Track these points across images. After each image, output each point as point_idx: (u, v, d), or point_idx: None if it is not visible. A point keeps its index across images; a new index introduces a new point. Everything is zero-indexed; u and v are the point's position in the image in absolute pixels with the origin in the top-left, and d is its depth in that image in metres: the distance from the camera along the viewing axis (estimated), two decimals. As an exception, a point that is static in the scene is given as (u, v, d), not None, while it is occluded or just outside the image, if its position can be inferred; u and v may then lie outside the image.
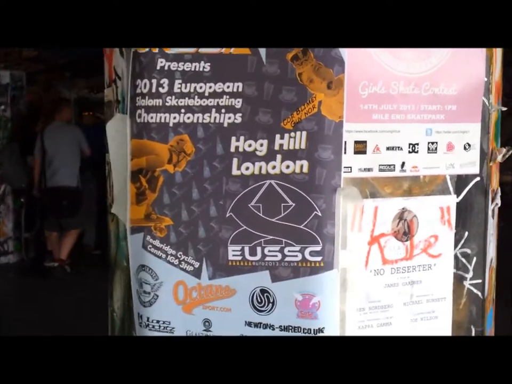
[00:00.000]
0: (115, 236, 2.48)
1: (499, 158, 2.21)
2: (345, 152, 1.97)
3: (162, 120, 2.10)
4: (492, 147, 2.20)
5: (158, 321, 2.15)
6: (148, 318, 2.17)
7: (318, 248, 1.98)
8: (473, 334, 2.19)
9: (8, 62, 8.21)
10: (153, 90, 2.10)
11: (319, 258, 1.98)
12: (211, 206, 2.07)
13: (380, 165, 2.02)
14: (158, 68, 2.09)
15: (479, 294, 2.19)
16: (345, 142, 1.97)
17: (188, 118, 2.08)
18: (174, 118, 2.09)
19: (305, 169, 1.98)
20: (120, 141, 2.22)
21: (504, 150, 2.22)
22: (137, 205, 2.17)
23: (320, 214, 1.97)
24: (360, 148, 2.01)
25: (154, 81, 2.10)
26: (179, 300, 2.12)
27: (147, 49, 2.09)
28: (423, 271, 2.09)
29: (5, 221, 8.05)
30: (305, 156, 1.97)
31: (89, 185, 7.62)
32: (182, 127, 2.09)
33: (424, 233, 2.08)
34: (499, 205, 2.29)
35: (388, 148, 2.03)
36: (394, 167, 2.04)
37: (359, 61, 1.97)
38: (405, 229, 2.06)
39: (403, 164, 2.05)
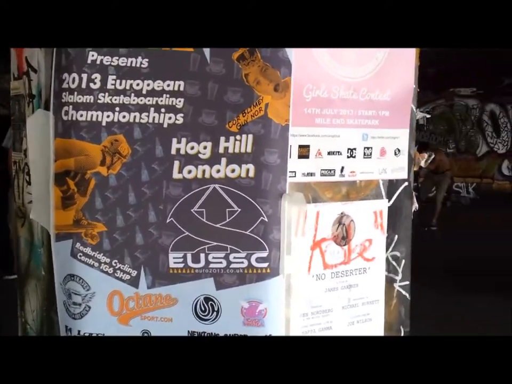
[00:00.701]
0: (26, 242, 2.28)
1: (422, 163, 2.30)
2: (290, 157, 1.95)
3: (94, 119, 1.96)
4: (414, 153, 2.29)
5: (90, 334, 2.00)
6: (79, 331, 2.01)
7: (264, 254, 1.94)
8: (402, 335, 2.26)
9: None
10: (83, 85, 1.95)
11: (265, 265, 1.95)
12: (150, 211, 1.97)
13: (321, 170, 2.03)
14: (89, 61, 1.95)
15: (407, 295, 2.27)
16: (290, 146, 1.95)
17: (124, 117, 1.95)
18: (108, 116, 1.96)
19: (251, 174, 1.93)
20: (41, 139, 2.04)
21: (426, 155, 2.31)
22: (63, 209, 2.00)
23: (266, 220, 1.93)
24: (304, 152, 2.00)
25: (84, 76, 1.95)
26: (114, 311, 1.99)
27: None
28: (359, 274, 2.13)
29: None
30: (251, 159, 1.93)
31: None
32: (116, 126, 1.96)
33: (360, 237, 2.11)
34: (417, 208, 2.37)
35: (329, 153, 2.03)
36: (334, 171, 2.05)
37: (304, 64, 1.95)
38: (343, 234, 2.08)
39: (342, 168, 2.06)
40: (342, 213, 2.07)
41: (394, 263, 2.21)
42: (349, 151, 2.07)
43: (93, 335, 2.00)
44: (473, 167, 15.01)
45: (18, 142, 2.32)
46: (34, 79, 2.14)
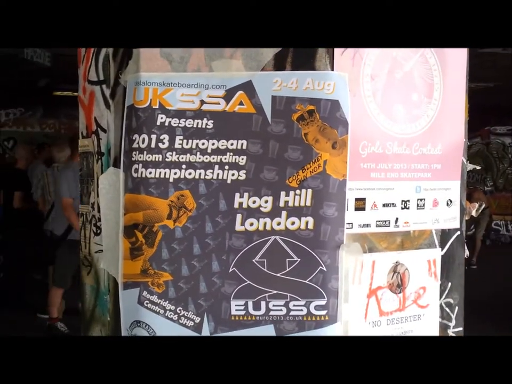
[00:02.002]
0: (92, 289, 2.41)
1: (473, 213, 2.39)
2: (347, 209, 2.06)
3: (162, 176, 2.10)
4: (465, 203, 2.37)
5: None
6: None
7: (323, 302, 2.04)
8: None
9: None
10: (153, 145, 2.09)
11: (324, 312, 2.04)
12: (213, 261, 2.08)
13: (377, 221, 2.12)
14: (158, 123, 2.09)
15: (461, 341, 2.33)
16: (347, 199, 2.05)
17: (189, 173, 2.09)
18: (175, 173, 2.09)
19: (310, 226, 2.03)
20: (111, 195, 2.18)
21: (477, 205, 2.40)
22: (131, 260, 2.13)
23: (325, 269, 2.03)
24: (360, 204, 2.10)
25: (153, 136, 2.09)
26: None
27: (146, 104, 2.09)
28: (413, 321, 2.20)
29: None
30: (310, 212, 2.03)
31: None
32: (182, 182, 2.09)
33: (414, 285, 2.20)
34: (468, 255, 2.45)
35: (384, 205, 2.13)
36: (389, 222, 2.14)
37: (359, 122, 2.07)
38: (398, 281, 2.16)
39: (397, 219, 2.16)
40: (397, 262, 2.16)
41: (447, 309, 2.29)
42: (403, 202, 2.17)
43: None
44: (512, 205, 14.89)
45: (86, 195, 2.47)
46: (103, 138, 2.30)
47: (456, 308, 2.31)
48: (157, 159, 2.10)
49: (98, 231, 2.32)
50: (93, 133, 2.38)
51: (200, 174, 2.08)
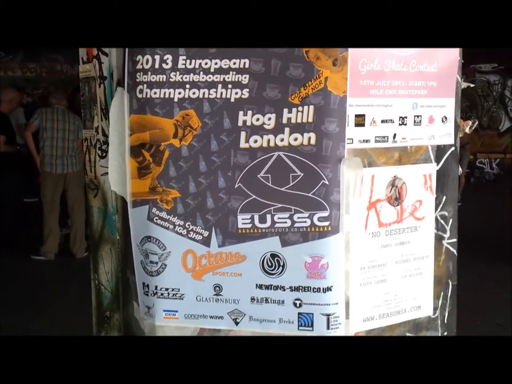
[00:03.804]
0: (100, 211, 2.49)
1: (467, 130, 2.47)
2: (347, 125, 2.13)
3: (167, 96, 2.15)
4: (459, 120, 2.45)
5: (166, 289, 2.22)
6: (156, 287, 2.22)
7: (325, 214, 2.13)
8: (450, 288, 2.44)
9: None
10: (156, 66, 2.14)
11: (327, 223, 2.13)
12: (219, 177, 2.16)
13: (375, 137, 2.20)
14: None
15: (455, 251, 2.45)
16: (347, 115, 2.12)
17: (193, 93, 2.14)
18: (179, 93, 2.15)
19: (312, 141, 2.11)
20: (117, 116, 2.24)
21: (470, 122, 2.48)
22: (139, 178, 2.21)
23: (327, 183, 2.12)
24: (360, 120, 2.17)
25: (157, 57, 2.14)
26: (188, 268, 2.20)
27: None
28: (410, 232, 2.31)
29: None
30: (312, 128, 2.10)
31: None
32: (187, 102, 2.15)
33: (411, 198, 2.29)
34: (461, 172, 2.54)
35: (382, 121, 2.21)
36: (387, 138, 2.22)
37: (358, 40, 2.12)
38: (396, 195, 2.26)
39: (395, 135, 2.24)
40: (395, 176, 2.24)
41: (442, 221, 2.39)
42: (401, 119, 2.25)
43: (169, 289, 2.22)
44: (496, 143, 15.04)
45: (89, 120, 2.52)
46: (105, 61, 2.34)
47: (451, 220, 2.42)
48: (161, 80, 2.15)
49: (104, 154, 2.38)
50: (94, 57, 2.42)
51: (204, 93, 2.14)
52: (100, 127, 2.39)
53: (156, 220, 2.20)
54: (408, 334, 2.34)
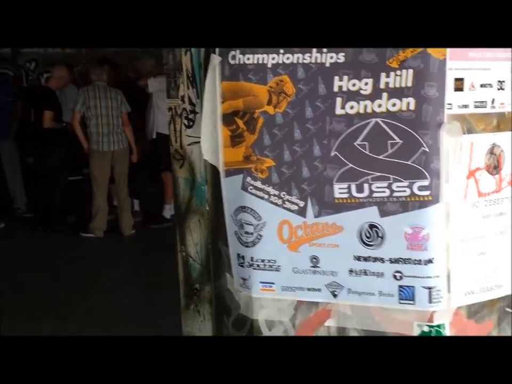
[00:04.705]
0: (187, 182, 2.43)
1: None
2: (446, 89, 2.05)
3: (260, 61, 2.09)
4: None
5: (262, 260, 2.16)
6: (252, 258, 2.17)
7: (426, 182, 2.05)
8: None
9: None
10: None
11: (427, 193, 2.05)
12: (314, 145, 2.09)
13: (474, 102, 2.11)
14: None
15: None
16: (447, 79, 2.04)
17: (287, 58, 2.07)
18: (273, 58, 2.08)
19: (411, 107, 2.03)
20: (209, 84, 2.18)
21: None
22: (232, 147, 2.15)
23: (427, 150, 2.04)
24: (459, 85, 2.09)
25: None
26: (284, 239, 2.14)
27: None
28: (509, 202, 2.22)
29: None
30: (411, 93, 2.02)
31: None
32: (281, 68, 2.08)
33: (509, 166, 2.20)
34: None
35: (481, 85, 2.12)
36: (486, 103, 2.13)
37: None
38: (495, 163, 2.17)
39: (493, 100, 2.15)
40: (493, 144, 2.16)
41: (541, 192, 2.29)
42: (499, 83, 2.16)
43: (265, 261, 2.16)
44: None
45: (174, 89, 2.46)
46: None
47: (549, 189, 2.32)
48: None
49: (191, 124, 2.32)
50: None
51: (298, 58, 2.07)
52: (186, 96, 2.33)
53: (251, 189, 2.15)
54: (507, 309, 2.25)
